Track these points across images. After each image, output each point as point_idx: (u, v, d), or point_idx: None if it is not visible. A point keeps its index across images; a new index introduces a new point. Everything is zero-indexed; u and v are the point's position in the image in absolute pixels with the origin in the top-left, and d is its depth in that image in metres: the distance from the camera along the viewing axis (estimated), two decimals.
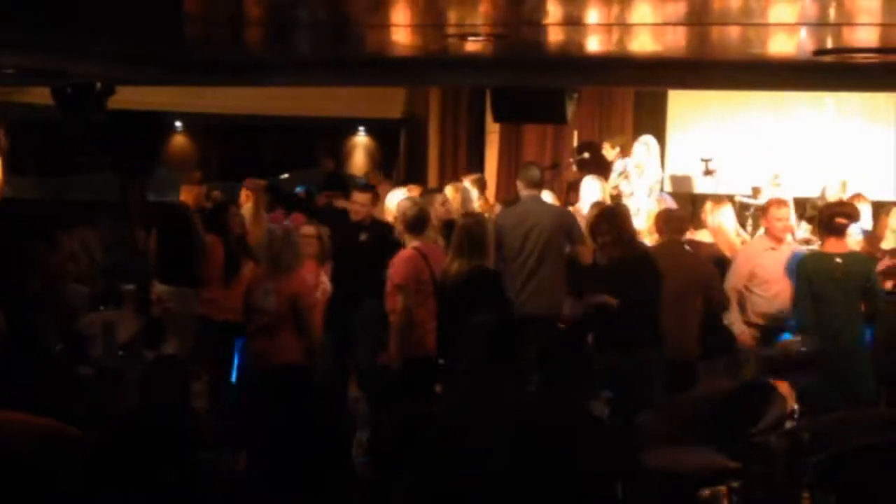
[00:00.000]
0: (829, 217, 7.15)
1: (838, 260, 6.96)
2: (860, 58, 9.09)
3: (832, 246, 7.04)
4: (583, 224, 7.75)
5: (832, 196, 9.95)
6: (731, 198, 9.45)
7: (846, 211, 7.25)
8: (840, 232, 7.06)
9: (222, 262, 7.96)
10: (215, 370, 7.50)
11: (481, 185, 9.96)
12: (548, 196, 8.73)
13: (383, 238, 7.75)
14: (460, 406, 5.03)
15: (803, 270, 7.06)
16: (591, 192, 9.26)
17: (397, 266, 6.88)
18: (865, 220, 8.67)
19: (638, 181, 9.86)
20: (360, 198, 8.13)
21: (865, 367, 6.89)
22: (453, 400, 5.64)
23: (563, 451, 4.42)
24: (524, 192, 7.67)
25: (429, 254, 6.93)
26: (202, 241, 8.10)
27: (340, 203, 9.17)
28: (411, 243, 7.00)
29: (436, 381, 6.38)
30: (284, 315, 6.54)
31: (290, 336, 6.58)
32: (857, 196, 9.39)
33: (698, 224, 8.72)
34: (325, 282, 7.40)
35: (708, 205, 8.71)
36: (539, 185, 7.78)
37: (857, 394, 6.68)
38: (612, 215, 6.97)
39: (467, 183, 9.58)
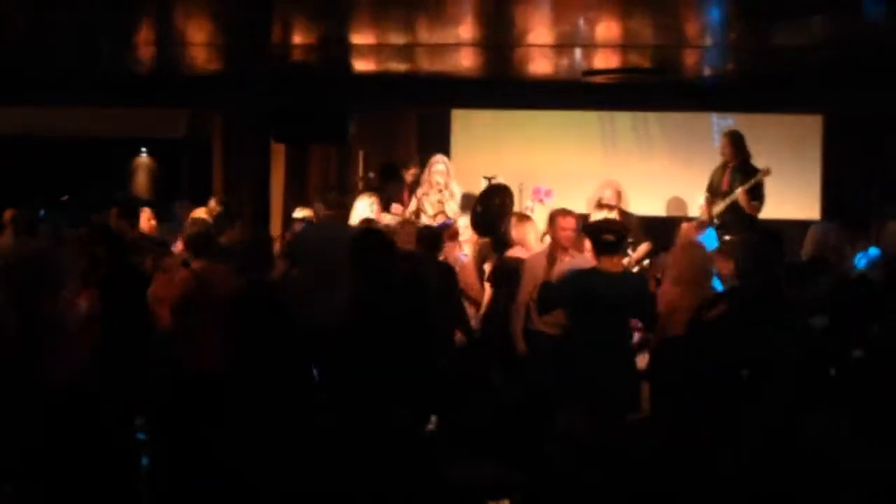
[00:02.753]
0: (596, 233, 7.03)
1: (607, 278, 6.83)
2: (626, 78, 9.45)
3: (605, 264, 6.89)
4: None
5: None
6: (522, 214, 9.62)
7: (613, 227, 7.10)
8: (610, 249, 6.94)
9: None
10: None
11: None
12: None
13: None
14: None
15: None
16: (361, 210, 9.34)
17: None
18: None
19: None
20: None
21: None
22: None
23: None
24: (324, 212, 7.72)
25: (209, 275, 6.80)
26: None
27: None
28: (193, 264, 6.86)
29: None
30: None
31: None
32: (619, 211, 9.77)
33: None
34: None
35: (512, 220, 8.80)
36: (338, 207, 7.83)
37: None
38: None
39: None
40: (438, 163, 10.26)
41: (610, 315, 6.80)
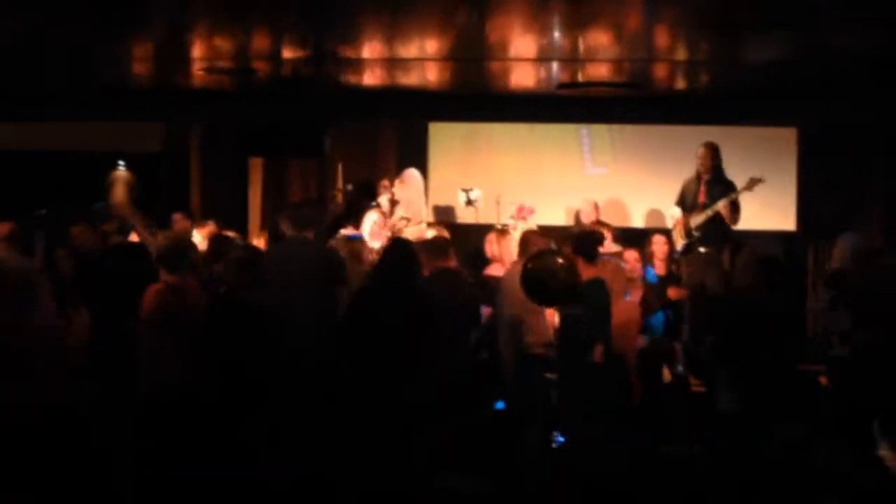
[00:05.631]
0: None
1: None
2: (600, 91, 9.50)
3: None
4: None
5: (586, 220, 10.33)
6: (497, 226, 9.66)
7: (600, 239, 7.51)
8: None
9: None
10: None
11: None
12: None
13: None
14: None
15: None
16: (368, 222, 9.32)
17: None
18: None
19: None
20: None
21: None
22: None
23: None
24: (290, 231, 7.58)
25: (182, 289, 6.79)
26: None
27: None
28: (164, 278, 6.84)
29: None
30: None
31: None
32: (598, 223, 9.81)
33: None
34: None
35: (491, 235, 8.80)
36: (307, 226, 7.68)
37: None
38: None
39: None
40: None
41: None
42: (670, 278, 9.16)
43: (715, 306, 7.32)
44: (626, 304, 8.02)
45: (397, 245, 7.11)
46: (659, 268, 8.95)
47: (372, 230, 9.12)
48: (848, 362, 6.67)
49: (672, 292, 8.70)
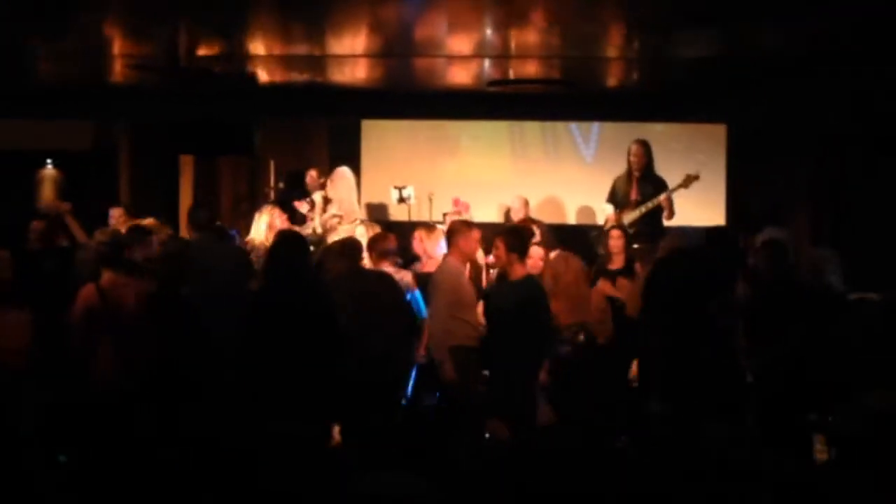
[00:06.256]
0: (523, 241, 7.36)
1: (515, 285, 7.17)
2: (531, 88, 9.53)
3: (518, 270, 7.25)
4: None
5: (516, 217, 10.35)
6: (434, 223, 9.64)
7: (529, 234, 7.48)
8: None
9: None
10: None
11: None
12: None
13: None
14: None
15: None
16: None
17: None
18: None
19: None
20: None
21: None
22: None
23: None
24: (195, 233, 7.69)
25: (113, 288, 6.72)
26: None
27: None
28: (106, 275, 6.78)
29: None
30: None
31: None
32: (528, 220, 9.83)
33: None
34: None
35: (420, 233, 8.76)
36: (205, 225, 7.75)
37: None
38: None
39: None
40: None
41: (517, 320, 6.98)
42: (628, 271, 9.17)
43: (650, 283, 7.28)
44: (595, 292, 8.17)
45: (286, 238, 7.00)
46: (617, 262, 8.98)
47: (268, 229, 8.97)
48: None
49: (607, 287, 8.72)
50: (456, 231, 7.74)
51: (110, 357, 6.59)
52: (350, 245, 7.67)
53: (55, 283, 7.55)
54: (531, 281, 7.33)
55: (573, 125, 11.81)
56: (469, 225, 7.95)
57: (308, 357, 6.36)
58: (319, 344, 6.42)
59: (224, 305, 7.10)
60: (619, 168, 10.26)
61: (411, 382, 7.72)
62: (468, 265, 8.18)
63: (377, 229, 9.17)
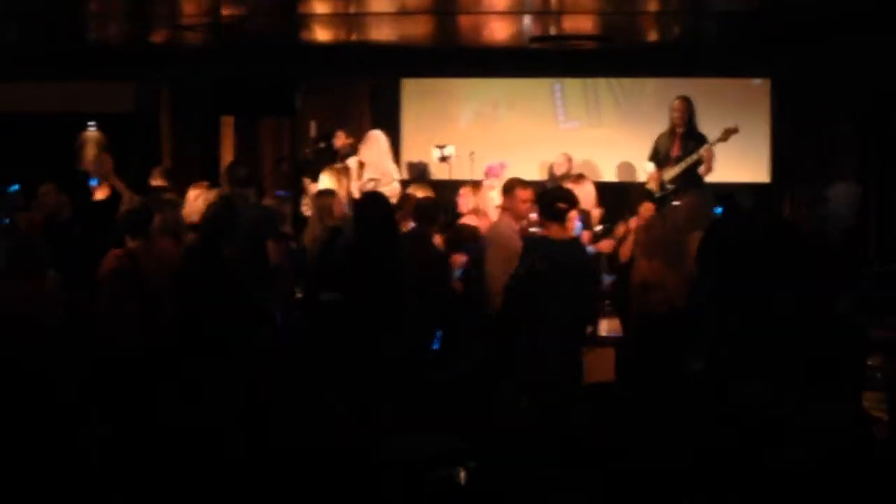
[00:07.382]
0: (549, 202, 7.07)
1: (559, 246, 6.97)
2: (575, 44, 9.44)
3: (555, 231, 7.10)
4: None
5: (559, 172, 10.28)
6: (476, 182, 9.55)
7: (566, 196, 6.99)
8: (561, 217, 7.13)
9: None
10: None
11: None
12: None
13: None
14: None
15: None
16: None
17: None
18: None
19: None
20: None
21: None
22: None
23: None
24: (228, 190, 7.72)
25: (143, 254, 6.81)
26: None
27: None
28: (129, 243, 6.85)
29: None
30: None
31: None
32: (580, 177, 9.70)
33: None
34: None
35: (466, 188, 8.73)
36: (244, 183, 7.82)
37: None
38: None
39: None
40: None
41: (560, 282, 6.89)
42: None
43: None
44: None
45: (375, 201, 7.02)
46: None
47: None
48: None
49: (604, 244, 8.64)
50: (510, 189, 7.67)
51: (137, 319, 6.68)
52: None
53: (84, 248, 7.61)
54: (575, 243, 7.25)
55: (614, 81, 11.70)
56: (524, 184, 7.82)
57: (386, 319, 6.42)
58: (396, 307, 6.47)
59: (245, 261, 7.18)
60: (661, 125, 10.15)
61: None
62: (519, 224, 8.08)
63: (427, 191, 9.12)
